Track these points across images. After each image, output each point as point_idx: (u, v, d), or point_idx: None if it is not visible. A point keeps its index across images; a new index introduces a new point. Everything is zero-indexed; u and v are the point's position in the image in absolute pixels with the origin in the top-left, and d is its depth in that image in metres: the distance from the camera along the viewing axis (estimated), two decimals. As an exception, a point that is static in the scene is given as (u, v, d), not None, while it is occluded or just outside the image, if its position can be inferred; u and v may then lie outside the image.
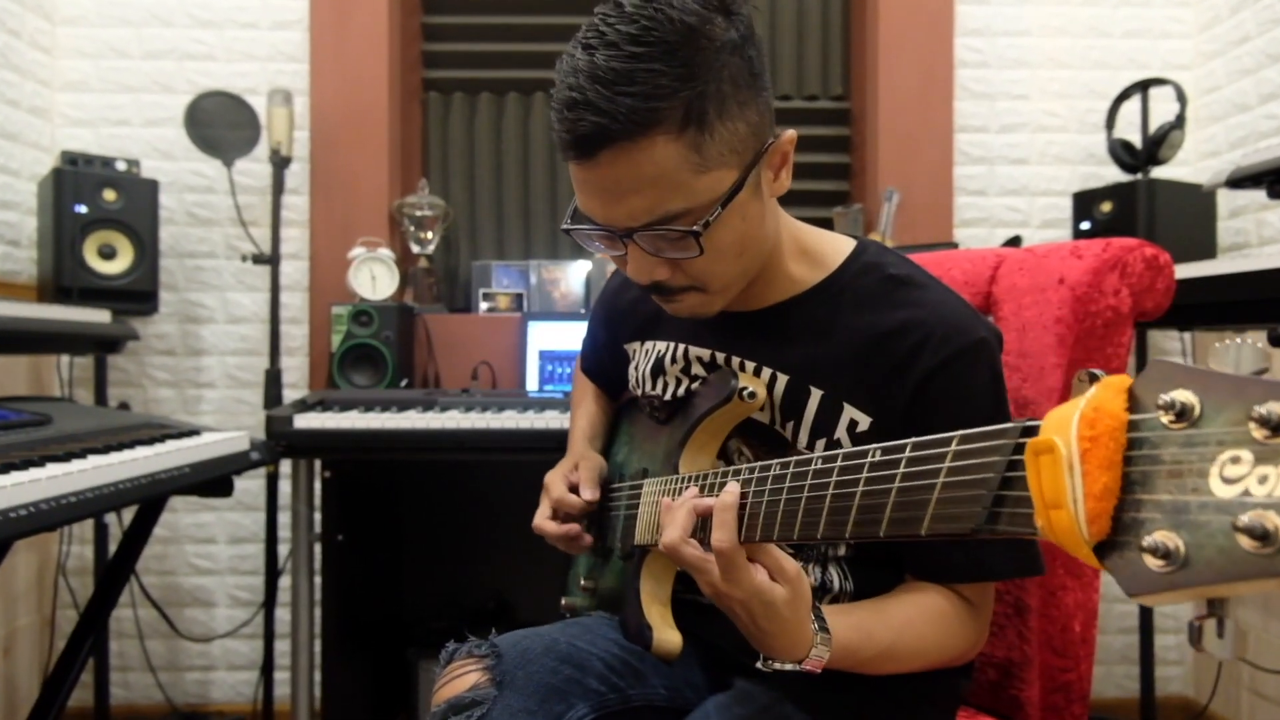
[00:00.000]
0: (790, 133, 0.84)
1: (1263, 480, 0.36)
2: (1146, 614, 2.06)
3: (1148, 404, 0.41)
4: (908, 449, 0.58)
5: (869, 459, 0.61)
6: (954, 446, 0.54)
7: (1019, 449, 0.48)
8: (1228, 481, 0.37)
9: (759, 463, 0.75)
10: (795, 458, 0.71)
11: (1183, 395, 0.39)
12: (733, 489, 0.74)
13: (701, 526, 0.77)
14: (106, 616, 1.69)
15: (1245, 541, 0.36)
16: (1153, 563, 0.39)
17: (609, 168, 0.76)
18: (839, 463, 0.64)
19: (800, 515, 0.68)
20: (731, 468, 0.79)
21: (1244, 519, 0.36)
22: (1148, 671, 2.05)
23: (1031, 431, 0.47)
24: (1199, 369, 0.40)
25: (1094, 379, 0.44)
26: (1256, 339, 0.40)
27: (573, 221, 0.84)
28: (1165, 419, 0.40)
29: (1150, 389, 0.41)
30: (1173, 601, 0.40)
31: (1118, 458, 0.42)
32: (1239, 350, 0.40)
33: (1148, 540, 0.39)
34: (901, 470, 0.58)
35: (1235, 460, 0.37)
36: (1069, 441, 0.43)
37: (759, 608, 0.72)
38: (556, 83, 0.79)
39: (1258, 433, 0.36)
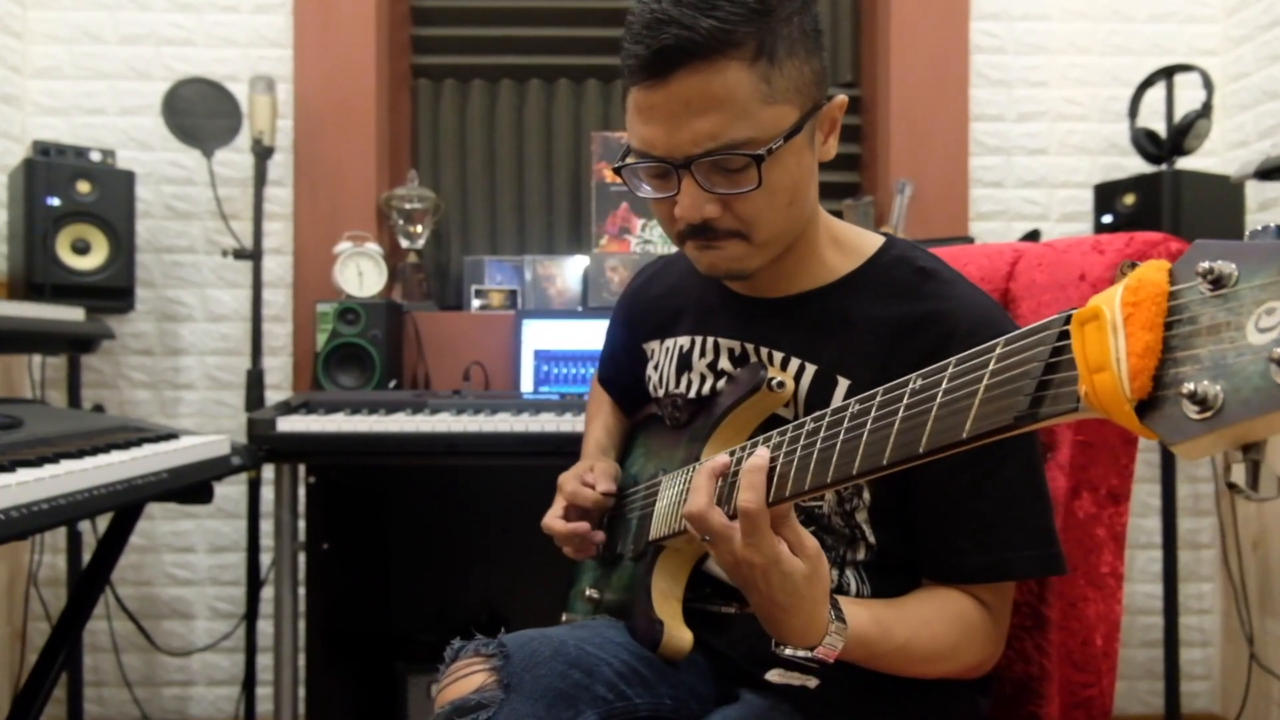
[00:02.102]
0: (841, 97, 0.89)
1: None
2: (1172, 627, 2.06)
3: (1188, 275, 0.45)
4: (951, 365, 0.60)
5: (910, 386, 0.64)
6: (999, 349, 0.57)
7: (1063, 336, 0.51)
8: (1263, 331, 0.40)
9: (791, 423, 0.76)
10: (831, 408, 0.72)
11: (1220, 265, 0.43)
12: (762, 453, 0.76)
13: (726, 498, 0.78)
14: (80, 629, 1.69)
15: (1279, 375, 0.39)
16: (1190, 409, 0.42)
17: (680, 87, 0.81)
18: (879, 398, 0.67)
19: (835, 458, 0.69)
20: (761, 436, 0.80)
21: (1278, 351, 0.39)
22: (1173, 687, 2.05)
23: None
24: (1237, 243, 0.43)
25: (1134, 266, 0.48)
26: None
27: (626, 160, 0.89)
28: (1203, 286, 0.43)
29: (1190, 263, 0.44)
30: (1211, 449, 0.43)
31: (1159, 320, 0.45)
32: (1276, 230, 0.43)
33: (1186, 388, 0.42)
34: (944, 386, 0.60)
35: (1270, 311, 0.40)
36: (1114, 307, 0.47)
37: (777, 578, 0.74)
38: (633, 9, 0.85)
39: None
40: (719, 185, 0.84)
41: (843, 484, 0.70)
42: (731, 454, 0.82)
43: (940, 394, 0.60)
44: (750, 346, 0.97)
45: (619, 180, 2.24)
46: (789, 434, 0.76)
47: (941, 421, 0.59)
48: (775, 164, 0.83)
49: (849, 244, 0.96)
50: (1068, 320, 0.51)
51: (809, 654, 0.76)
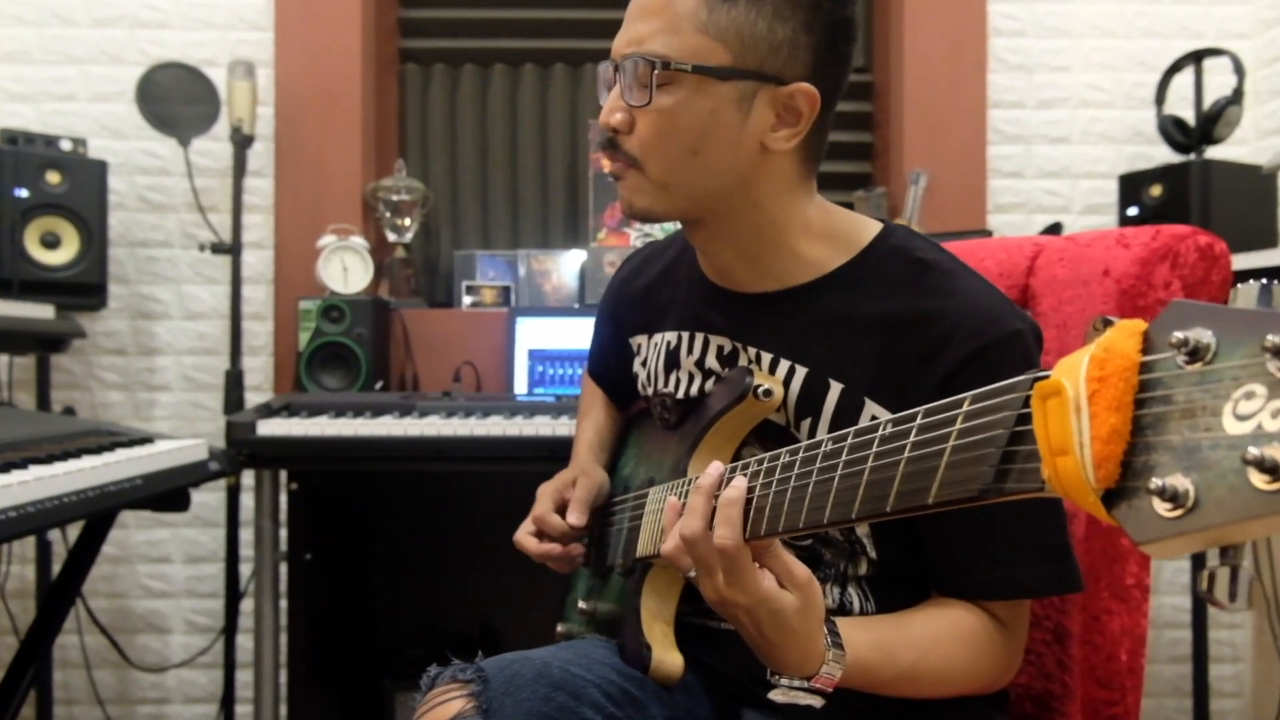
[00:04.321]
0: (808, 88, 0.87)
1: (1276, 414, 0.37)
2: (1200, 641, 2.06)
3: (1162, 345, 0.43)
4: (919, 416, 0.60)
5: (880, 432, 0.63)
6: (966, 408, 0.56)
7: (1028, 402, 0.50)
8: (1241, 418, 0.38)
9: (768, 453, 0.76)
10: (805, 443, 0.72)
11: (1196, 333, 0.41)
12: (739, 484, 0.76)
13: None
14: (50, 644, 1.69)
15: (1256, 477, 0.37)
16: (1161, 507, 0.40)
17: None
18: (849, 440, 0.66)
19: (807, 501, 0.69)
20: (740, 462, 0.80)
21: (1253, 452, 0.37)
22: (1202, 704, 2.05)
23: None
24: (1218, 307, 0.41)
25: (1108, 324, 0.46)
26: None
27: None
28: (1179, 358, 0.41)
29: (1165, 330, 0.42)
30: (1182, 550, 0.41)
31: (1128, 399, 0.43)
32: (1267, 291, 0.41)
33: (1155, 483, 0.40)
34: (911, 440, 0.59)
35: (1249, 396, 0.38)
36: (1077, 383, 0.45)
37: (766, 616, 0.74)
38: None
39: (1272, 365, 0.38)
40: (632, 98, 0.87)
41: (816, 530, 0.70)
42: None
43: (909, 447, 0.59)
44: (739, 345, 0.97)
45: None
46: (765, 464, 0.75)
47: (909, 481, 0.59)
48: (679, 95, 0.85)
49: (842, 235, 0.94)
50: (1034, 384, 0.49)
51: (805, 684, 0.76)
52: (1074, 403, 0.45)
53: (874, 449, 0.63)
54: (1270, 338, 0.38)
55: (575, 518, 1.06)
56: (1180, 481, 0.40)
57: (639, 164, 0.89)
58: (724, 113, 0.86)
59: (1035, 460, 0.48)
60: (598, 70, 0.95)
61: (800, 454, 0.72)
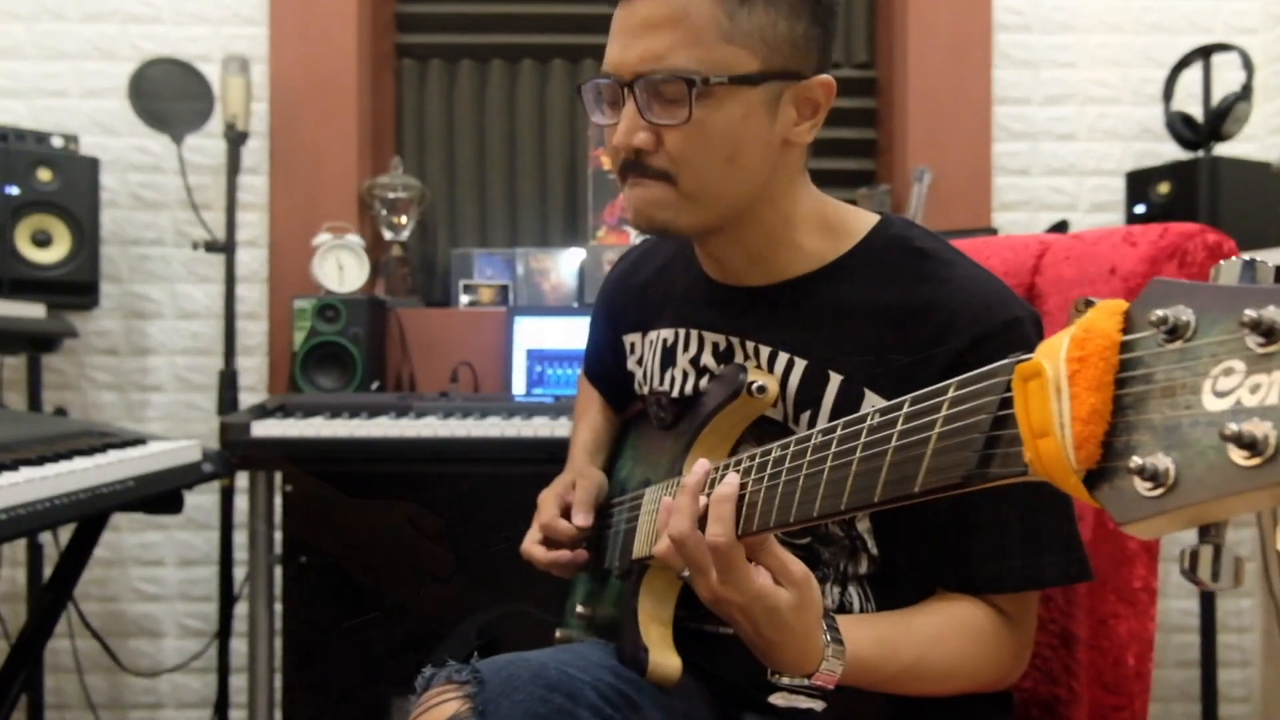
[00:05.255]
0: (826, 78, 0.89)
1: (1255, 389, 0.38)
2: (1209, 646, 2.06)
3: (1142, 323, 0.43)
4: (905, 405, 0.60)
5: (867, 423, 0.64)
6: (950, 394, 0.56)
7: (1010, 386, 0.50)
8: (1220, 395, 0.39)
9: (760, 449, 0.77)
10: (795, 436, 0.73)
11: (1176, 311, 0.41)
12: (731, 480, 0.76)
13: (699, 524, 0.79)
14: (41, 648, 1.69)
15: (1234, 453, 0.37)
16: (1142, 486, 0.40)
17: (644, 5, 0.86)
18: (838, 432, 0.67)
19: (797, 495, 0.70)
20: (733, 459, 0.80)
21: (1231, 428, 0.37)
22: (1210, 710, 2.05)
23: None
24: (1197, 284, 0.41)
25: (1090, 305, 0.46)
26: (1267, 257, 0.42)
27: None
28: (1159, 336, 0.41)
29: (1145, 308, 0.43)
30: (1164, 530, 0.41)
31: (1108, 379, 0.43)
32: (1250, 267, 0.41)
33: (1135, 462, 0.40)
34: (898, 429, 0.60)
35: (1228, 372, 0.39)
36: (1057, 364, 0.45)
37: (761, 614, 0.74)
38: None
39: (1250, 341, 0.38)
40: (655, 111, 0.85)
41: (807, 524, 0.70)
42: (708, 474, 0.83)
43: (895, 435, 0.60)
44: (735, 340, 0.97)
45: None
46: (757, 459, 0.76)
47: (896, 469, 0.59)
48: (713, 106, 0.84)
49: (841, 226, 0.95)
50: (1018, 367, 0.49)
51: (805, 682, 0.76)
52: (1054, 383, 0.45)
53: (862, 439, 0.64)
54: (1248, 313, 0.38)
55: (581, 519, 1.07)
56: (1161, 460, 0.40)
57: (671, 178, 0.88)
58: (755, 117, 0.87)
59: (1019, 444, 0.48)
60: (587, 89, 0.93)
61: (791, 448, 0.72)
